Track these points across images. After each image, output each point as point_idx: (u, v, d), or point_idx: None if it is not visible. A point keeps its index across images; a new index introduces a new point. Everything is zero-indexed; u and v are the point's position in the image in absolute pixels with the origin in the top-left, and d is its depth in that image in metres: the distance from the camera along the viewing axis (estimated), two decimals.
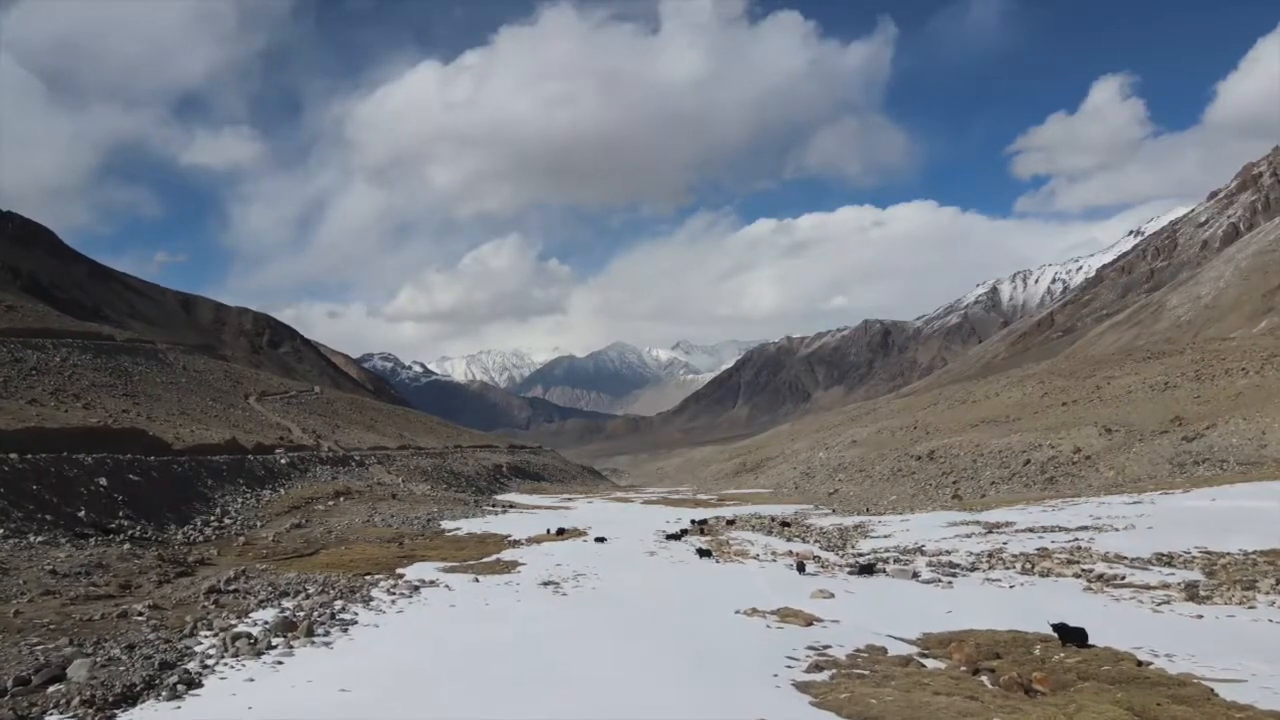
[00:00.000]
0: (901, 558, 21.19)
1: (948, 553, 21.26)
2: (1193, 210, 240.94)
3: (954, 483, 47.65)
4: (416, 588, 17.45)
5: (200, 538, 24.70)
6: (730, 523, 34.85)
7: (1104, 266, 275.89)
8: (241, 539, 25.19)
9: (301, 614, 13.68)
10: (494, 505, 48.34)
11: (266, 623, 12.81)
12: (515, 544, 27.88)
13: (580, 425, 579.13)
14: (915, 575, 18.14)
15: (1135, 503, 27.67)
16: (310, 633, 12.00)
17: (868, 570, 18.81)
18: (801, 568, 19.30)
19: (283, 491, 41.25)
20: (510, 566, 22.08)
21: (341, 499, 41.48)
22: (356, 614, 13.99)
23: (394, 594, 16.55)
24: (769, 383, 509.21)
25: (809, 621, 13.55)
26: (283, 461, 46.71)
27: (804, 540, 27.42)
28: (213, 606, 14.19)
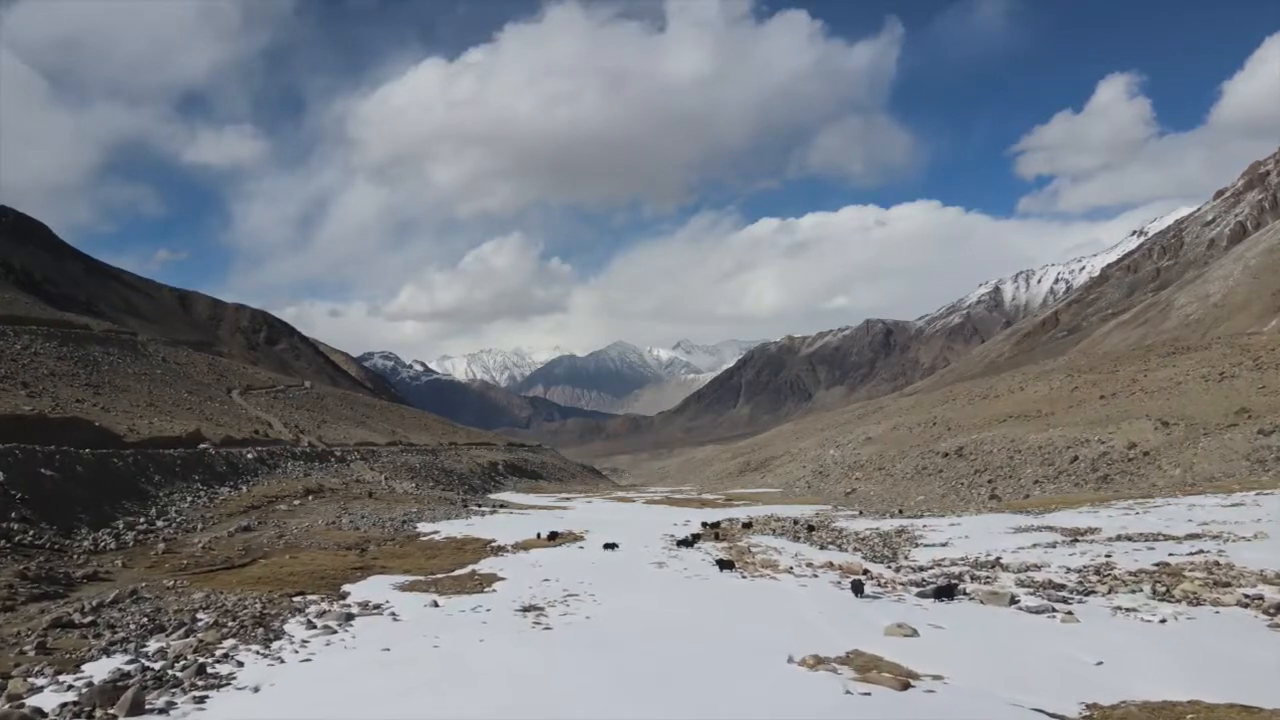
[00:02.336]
0: (978, 574, 16.76)
1: (1036, 567, 16.85)
2: (1199, 209, 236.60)
3: (989, 481, 43.24)
4: (351, 616, 13.07)
5: (113, 545, 20.36)
6: (747, 526, 30.50)
7: (1109, 265, 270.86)
8: (162, 546, 20.80)
9: (157, 666, 9.32)
10: (484, 505, 43.94)
11: (90, 683, 8.46)
12: (499, 551, 23.71)
13: (581, 424, 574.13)
14: (1013, 601, 13.73)
15: (1234, 504, 23.29)
16: (136, 709, 7.62)
17: (946, 593, 14.37)
18: (858, 588, 14.85)
19: (244, 489, 36.84)
20: (485, 583, 17.76)
21: (311, 497, 37.10)
22: (240, 665, 9.58)
23: (316, 626, 12.17)
24: (770, 382, 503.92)
25: (904, 682, 9.14)
26: (249, 456, 42.32)
27: (840, 548, 23.04)
28: (34, 652, 9.82)
